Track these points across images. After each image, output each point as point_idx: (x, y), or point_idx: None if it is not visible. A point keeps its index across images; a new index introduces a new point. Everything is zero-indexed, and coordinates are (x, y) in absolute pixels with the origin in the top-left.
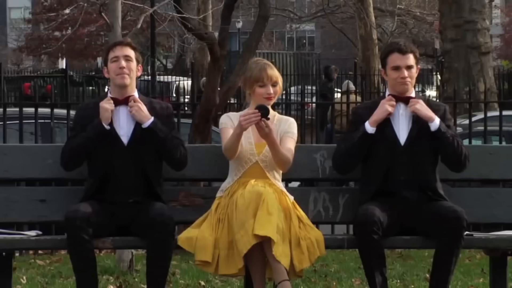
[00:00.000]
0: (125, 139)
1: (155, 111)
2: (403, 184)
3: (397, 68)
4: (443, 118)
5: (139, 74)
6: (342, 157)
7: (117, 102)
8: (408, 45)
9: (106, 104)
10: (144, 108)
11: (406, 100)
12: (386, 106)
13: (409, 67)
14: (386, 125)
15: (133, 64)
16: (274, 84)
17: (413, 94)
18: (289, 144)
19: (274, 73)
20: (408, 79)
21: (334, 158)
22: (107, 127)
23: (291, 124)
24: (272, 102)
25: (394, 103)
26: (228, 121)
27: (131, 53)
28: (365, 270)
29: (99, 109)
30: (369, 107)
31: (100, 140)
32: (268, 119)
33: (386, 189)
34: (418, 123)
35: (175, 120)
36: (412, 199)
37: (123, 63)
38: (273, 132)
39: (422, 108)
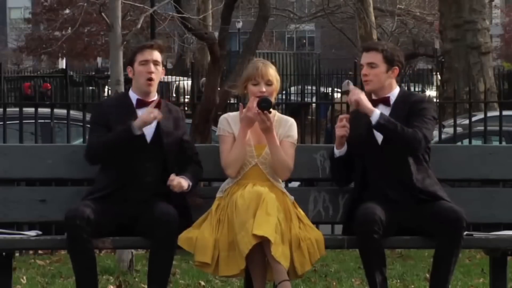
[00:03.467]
0: (148, 137)
1: (171, 113)
2: (386, 184)
3: (361, 66)
4: (414, 104)
5: (162, 76)
6: (332, 173)
7: (142, 105)
8: (378, 43)
9: (152, 114)
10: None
11: (383, 101)
12: (337, 131)
13: (370, 64)
14: (363, 125)
15: (160, 68)
16: (268, 83)
17: (390, 94)
18: (289, 150)
19: (269, 72)
20: (369, 77)
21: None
22: (138, 133)
23: (291, 127)
24: None
25: (344, 123)
26: (226, 126)
27: (159, 57)
28: (365, 270)
29: (144, 113)
30: (357, 110)
31: (127, 144)
32: (270, 112)
33: (372, 190)
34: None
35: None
36: (398, 199)
37: (152, 67)
38: (274, 127)
39: (363, 99)
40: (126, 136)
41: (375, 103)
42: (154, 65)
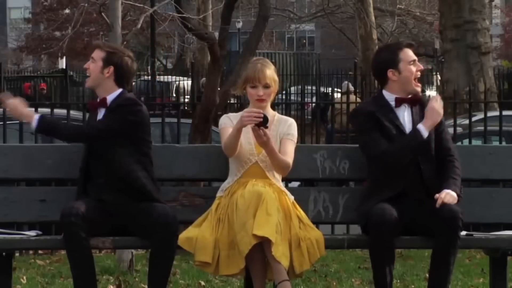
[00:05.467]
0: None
1: (116, 111)
2: (412, 184)
3: (414, 62)
4: (440, 122)
5: (107, 75)
6: (399, 159)
7: (95, 105)
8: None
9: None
10: (20, 106)
11: (411, 101)
12: (438, 111)
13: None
14: (397, 127)
15: (95, 65)
16: (266, 86)
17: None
18: (289, 147)
19: (267, 74)
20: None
21: (389, 157)
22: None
23: (291, 125)
24: (265, 104)
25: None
26: (228, 121)
27: (95, 54)
28: (374, 270)
29: None
30: (372, 104)
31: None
32: (266, 127)
33: (398, 190)
34: (419, 122)
35: (132, 118)
36: (419, 199)
37: (87, 64)
38: (271, 140)
39: (452, 199)
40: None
41: (401, 102)
42: (91, 62)
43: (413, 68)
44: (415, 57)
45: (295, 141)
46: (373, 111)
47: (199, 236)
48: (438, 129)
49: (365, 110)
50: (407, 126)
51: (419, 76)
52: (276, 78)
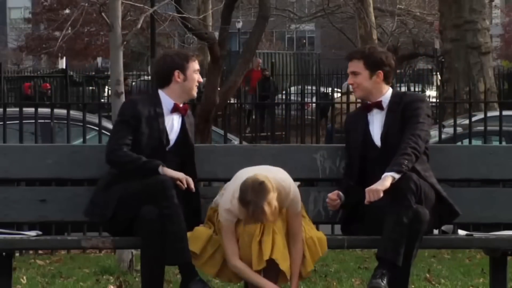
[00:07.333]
0: (171, 142)
1: (189, 117)
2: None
3: (351, 73)
4: (406, 106)
5: None
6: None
7: (176, 110)
8: (358, 50)
9: (183, 183)
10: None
11: (376, 105)
12: (330, 207)
13: (353, 73)
14: (360, 129)
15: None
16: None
17: (383, 98)
18: (299, 225)
19: (267, 217)
20: (355, 85)
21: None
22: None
23: (293, 199)
24: None
25: (336, 203)
26: (230, 217)
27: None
28: None
29: (180, 175)
30: (355, 114)
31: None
32: None
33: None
34: (389, 123)
35: None
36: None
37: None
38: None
39: (375, 194)
40: (148, 173)
41: (369, 108)
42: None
43: (348, 81)
44: (349, 70)
45: (300, 211)
46: (348, 122)
47: (197, 230)
48: (404, 117)
49: (346, 120)
50: (375, 131)
51: (353, 88)
52: (276, 206)
